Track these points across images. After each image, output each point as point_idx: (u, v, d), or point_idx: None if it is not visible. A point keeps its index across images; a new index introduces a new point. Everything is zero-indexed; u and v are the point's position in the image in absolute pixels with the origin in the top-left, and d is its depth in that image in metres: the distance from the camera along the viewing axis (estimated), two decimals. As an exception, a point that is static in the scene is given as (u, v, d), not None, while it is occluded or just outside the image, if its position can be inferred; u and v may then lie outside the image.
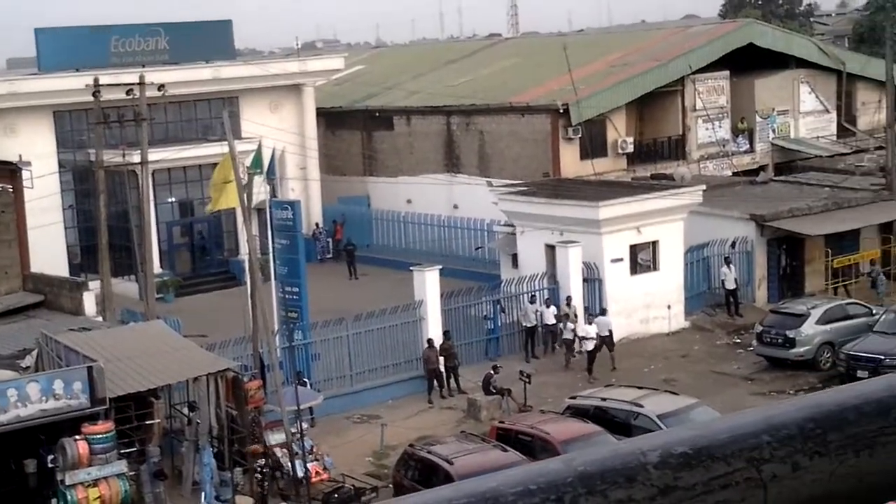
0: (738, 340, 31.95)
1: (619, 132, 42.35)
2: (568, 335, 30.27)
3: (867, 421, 1.26)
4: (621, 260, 32.32)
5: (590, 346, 29.89)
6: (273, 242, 29.09)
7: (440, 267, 31.53)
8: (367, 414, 27.76)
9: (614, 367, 29.86)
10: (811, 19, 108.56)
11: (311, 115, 46.19)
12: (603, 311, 30.74)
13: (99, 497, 20.60)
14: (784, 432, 1.25)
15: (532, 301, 31.41)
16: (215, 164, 29.05)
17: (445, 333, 29.56)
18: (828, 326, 29.53)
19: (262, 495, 22.54)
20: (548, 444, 21.83)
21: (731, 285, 33.62)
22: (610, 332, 30.21)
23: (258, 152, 28.61)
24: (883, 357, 27.14)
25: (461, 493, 1.34)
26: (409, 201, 44.60)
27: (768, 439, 1.24)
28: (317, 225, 44.82)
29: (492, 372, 27.91)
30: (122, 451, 21.30)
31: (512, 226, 34.78)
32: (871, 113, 48.11)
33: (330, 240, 44.87)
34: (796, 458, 1.24)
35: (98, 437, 20.69)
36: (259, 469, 22.65)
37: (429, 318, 29.84)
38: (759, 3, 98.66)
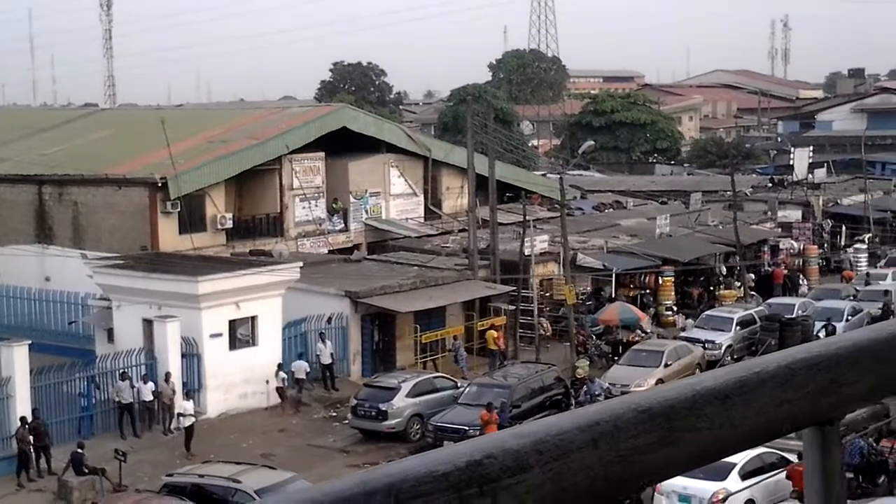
0: (335, 414, 32.86)
1: (219, 208, 42.58)
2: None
3: None
4: (220, 335, 32.45)
5: (187, 422, 29.70)
6: None
7: (30, 342, 30.24)
8: (-54, 500, 25.99)
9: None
10: (401, 107, 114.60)
11: None
12: (300, 355, 33.80)
13: None
14: None
15: (123, 378, 30.68)
16: None
17: (34, 412, 28.31)
18: (417, 399, 31.09)
19: None
20: (145, 523, 21.53)
21: (326, 360, 34.58)
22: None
23: None
24: (467, 428, 28.93)
25: None
26: (-5, 273, 42.29)
27: None
28: None
29: (79, 451, 27.04)
30: None
31: (108, 300, 33.99)
32: (454, 197, 51.37)
33: None
34: None
35: None
36: None
37: (17, 396, 28.47)
38: (353, 88, 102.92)
